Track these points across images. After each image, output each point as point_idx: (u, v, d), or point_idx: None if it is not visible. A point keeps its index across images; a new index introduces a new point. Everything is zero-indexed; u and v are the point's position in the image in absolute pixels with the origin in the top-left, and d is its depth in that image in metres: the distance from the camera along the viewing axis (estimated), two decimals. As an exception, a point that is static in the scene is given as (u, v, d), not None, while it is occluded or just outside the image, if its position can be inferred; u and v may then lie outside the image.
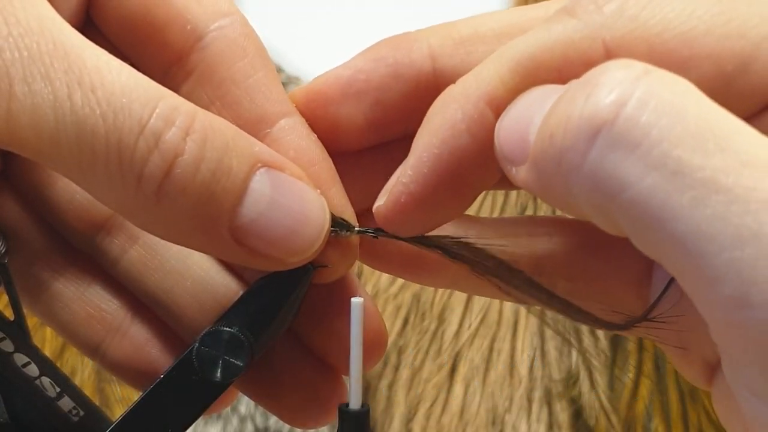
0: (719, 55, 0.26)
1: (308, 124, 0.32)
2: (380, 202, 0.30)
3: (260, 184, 0.28)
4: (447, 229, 0.32)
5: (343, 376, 0.35)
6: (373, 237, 0.32)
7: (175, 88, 0.31)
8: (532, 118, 0.25)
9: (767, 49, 0.25)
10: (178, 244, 0.30)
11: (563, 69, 0.27)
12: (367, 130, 0.32)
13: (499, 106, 0.27)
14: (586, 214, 0.25)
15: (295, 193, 0.29)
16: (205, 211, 0.28)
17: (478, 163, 0.28)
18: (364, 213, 0.32)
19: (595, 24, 0.27)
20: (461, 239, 0.31)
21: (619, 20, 0.26)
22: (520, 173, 0.26)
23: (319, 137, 0.32)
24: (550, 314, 0.33)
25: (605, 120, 0.23)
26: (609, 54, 0.26)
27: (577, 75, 0.26)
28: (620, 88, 0.23)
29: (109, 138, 0.26)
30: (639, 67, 0.23)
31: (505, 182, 0.29)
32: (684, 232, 0.22)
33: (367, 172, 0.33)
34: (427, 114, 0.29)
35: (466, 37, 0.31)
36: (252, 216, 0.28)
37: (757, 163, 0.22)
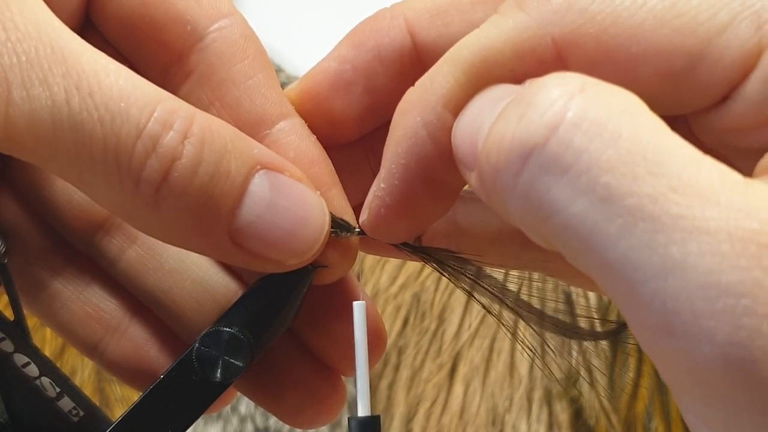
0: (668, 52, 0.25)
1: (305, 123, 0.32)
2: (363, 217, 0.30)
3: (259, 187, 0.28)
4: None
5: (342, 376, 0.35)
6: (373, 238, 0.32)
7: (174, 88, 0.31)
8: (482, 124, 0.25)
9: (716, 46, 0.25)
10: (176, 246, 0.30)
11: (516, 67, 0.26)
12: (360, 119, 0.32)
13: (456, 108, 0.27)
14: (523, 230, 0.24)
15: (295, 195, 0.29)
16: (203, 214, 0.27)
17: (446, 166, 0.27)
18: (360, 208, 0.32)
19: (543, 19, 0.26)
20: (459, 255, 0.31)
21: (567, 14, 0.26)
22: (471, 178, 0.26)
23: (316, 134, 0.32)
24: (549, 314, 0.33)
25: (536, 143, 0.22)
26: (558, 51, 0.26)
27: (530, 72, 0.26)
28: (553, 110, 0.22)
29: (106, 142, 0.26)
30: (575, 83, 0.23)
31: None
32: (611, 260, 0.21)
33: (363, 163, 0.33)
34: (391, 123, 0.29)
35: (442, 7, 0.31)
36: (251, 218, 0.28)
37: (687, 189, 0.21)
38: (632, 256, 0.21)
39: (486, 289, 0.31)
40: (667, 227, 0.21)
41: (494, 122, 0.24)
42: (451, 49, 0.27)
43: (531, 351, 0.32)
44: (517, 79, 0.26)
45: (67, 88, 0.26)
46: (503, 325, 0.31)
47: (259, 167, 0.28)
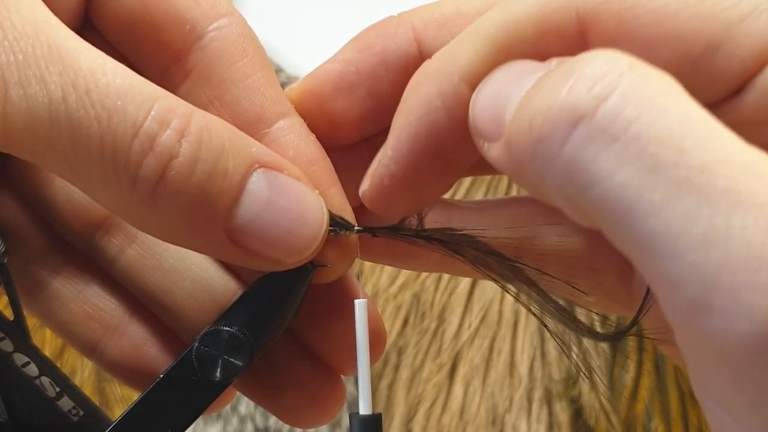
0: (688, 36, 0.25)
1: (305, 122, 0.32)
2: (365, 186, 0.30)
3: (257, 185, 0.28)
4: (431, 220, 0.32)
5: (342, 375, 0.35)
6: (373, 236, 0.32)
7: (174, 88, 0.31)
8: (508, 96, 0.25)
9: (735, 34, 0.25)
10: (174, 244, 0.30)
11: (538, 42, 0.27)
12: (361, 122, 0.32)
13: (473, 81, 0.27)
14: (556, 203, 0.24)
15: (293, 194, 0.29)
16: (200, 212, 0.27)
17: (457, 140, 0.28)
18: (360, 209, 0.32)
19: None
20: (460, 231, 0.31)
21: None
22: (492, 150, 0.26)
23: (316, 134, 0.32)
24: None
25: (585, 112, 0.22)
26: (582, 26, 0.26)
27: (551, 47, 0.26)
28: (603, 83, 0.23)
29: (103, 140, 0.26)
30: (624, 61, 0.23)
31: (487, 166, 0.29)
32: (652, 231, 0.21)
33: (363, 166, 0.33)
34: (404, 92, 0.29)
35: (450, 16, 0.31)
36: (249, 217, 0.28)
37: (734, 164, 0.21)
38: (674, 227, 0.21)
39: (495, 264, 0.31)
40: (712, 200, 0.21)
41: (537, 89, 0.24)
42: (475, 22, 0.28)
43: (544, 322, 0.32)
44: (539, 54, 0.26)
45: (63, 86, 0.26)
46: (518, 299, 0.31)
47: (257, 166, 0.28)
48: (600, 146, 0.22)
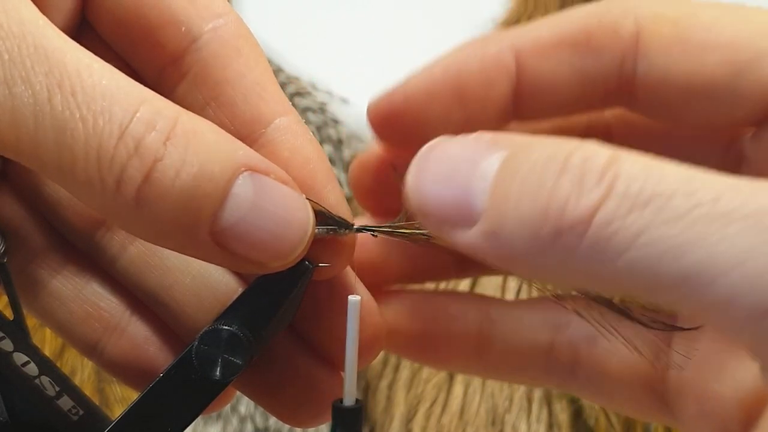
0: (737, 44, 0.29)
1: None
2: (373, 102, 0.32)
3: (243, 189, 0.28)
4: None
5: (342, 373, 0.35)
6: (372, 235, 0.32)
7: (170, 89, 0.31)
8: (469, 180, 0.25)
9: None
10: (159, 245, 0.30)
11: (596, 35, 0.30)
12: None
13: (519, 51, 0.31)
14: (565, 280, 0.26)
15: (279, 198, 0.29)
16: (185, 215, 0.27)
17: (477, 94, 0.31)
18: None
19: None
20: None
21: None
22: (466, 236, 0.26)
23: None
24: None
25: (599, 200, 0.23)
26: (638, 29, 0.30)
27: (605, 43, 0.30)
28: (604, 175, 0.23)
29: (88, 142, 0.26)
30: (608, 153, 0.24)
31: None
32: (690, 265, 0.22)
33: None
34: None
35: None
36: (233, 220, 0.28)
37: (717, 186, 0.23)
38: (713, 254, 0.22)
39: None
40: (734, 221, 0.22)
41: (523, 185, 0.24)
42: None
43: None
44: (591, 48, 0.31)
45: (49, 86, 0.26)
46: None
47: (243, 169, 0.28)
48: (618, 223, 0.23)
